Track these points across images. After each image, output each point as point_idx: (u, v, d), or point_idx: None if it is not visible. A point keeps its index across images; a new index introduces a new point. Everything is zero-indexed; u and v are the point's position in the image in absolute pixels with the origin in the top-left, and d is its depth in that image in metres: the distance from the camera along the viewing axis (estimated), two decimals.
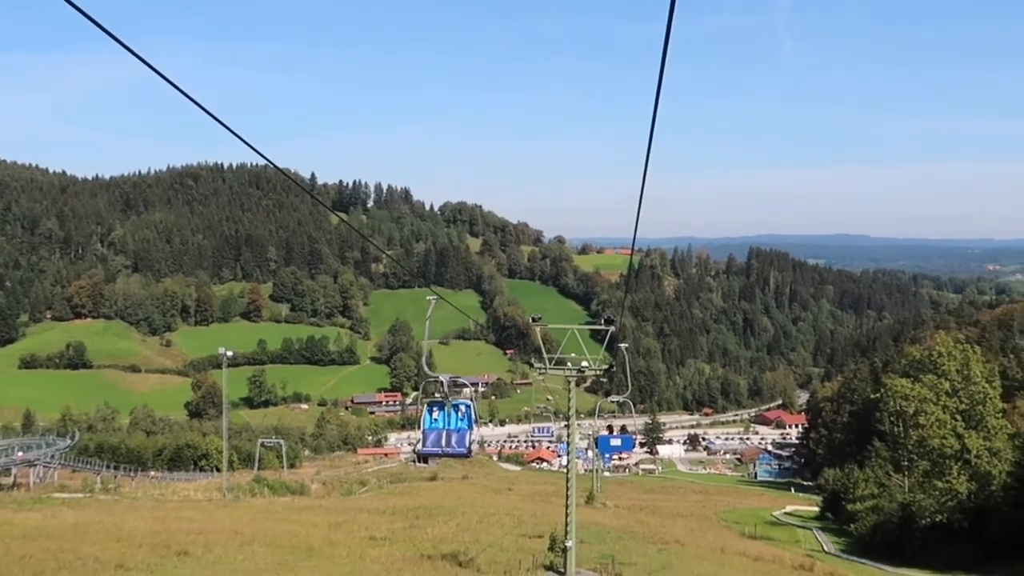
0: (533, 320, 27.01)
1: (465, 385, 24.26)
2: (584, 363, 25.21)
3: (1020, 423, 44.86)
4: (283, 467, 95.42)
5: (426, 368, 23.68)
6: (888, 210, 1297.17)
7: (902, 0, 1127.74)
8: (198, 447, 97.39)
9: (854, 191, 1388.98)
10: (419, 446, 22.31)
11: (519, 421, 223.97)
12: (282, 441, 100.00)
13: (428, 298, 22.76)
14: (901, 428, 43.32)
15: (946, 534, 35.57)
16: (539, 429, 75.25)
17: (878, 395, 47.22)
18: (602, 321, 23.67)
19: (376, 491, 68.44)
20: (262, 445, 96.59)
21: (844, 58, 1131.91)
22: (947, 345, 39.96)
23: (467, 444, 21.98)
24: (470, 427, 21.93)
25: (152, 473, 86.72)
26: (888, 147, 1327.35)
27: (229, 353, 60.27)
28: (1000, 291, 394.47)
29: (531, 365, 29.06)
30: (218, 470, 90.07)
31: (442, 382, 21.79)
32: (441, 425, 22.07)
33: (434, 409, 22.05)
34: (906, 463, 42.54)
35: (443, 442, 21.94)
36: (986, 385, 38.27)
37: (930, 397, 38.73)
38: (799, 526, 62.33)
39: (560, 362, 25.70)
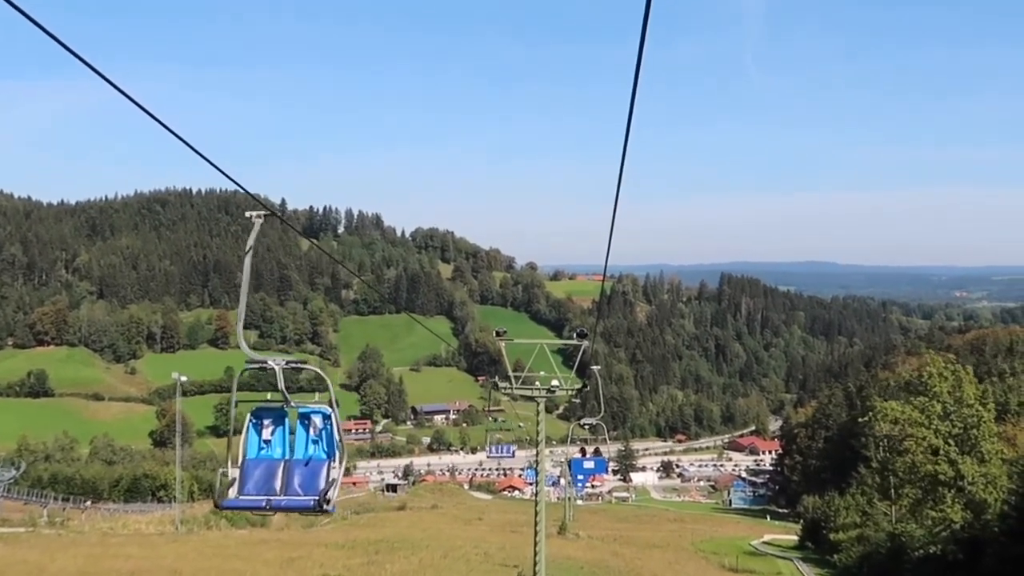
0: (498, 334, 23.44)
1: (317, 374, 11.71)
2: (555, 382, 22.76)
3: (1007, 448, 43.11)
4: None
5: (244, 346, 11.25)
6: (856, 237, 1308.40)
7: (869, 28, 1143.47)
8: (156, 477, 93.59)
9: (822, 218, 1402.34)
10: (231, 492, 10.75)
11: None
12: None
13: (250, 214, 11.32)
14: (889, 453, 41.39)
15: (939, 566, 33.57)
16: (497, 448, 66.05)
17: (866, 419, 45.28)
18: (574, 336, 21.65)
19: (339, 522, 65.49)
20: (223, 475, 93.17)
21: (812, 85, 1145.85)
22: (938, 365, 38.12)
23: (321, 488, 10.60)
24: (330, 456, 10.92)
25: (87, 504, 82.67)
26: (855, 175, 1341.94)
27: (183, 379, 57.49)
28: (968, 317, 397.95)
29: (496, 386, 23.34)
30: (178, 500, 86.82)
31: (274, 370, 10.51)
32: (278, 453, 11.01)
33: (264, 423, 11.13)
34: (895, 490, 40.54)
35: (277, 485, 10.72)
36: (980, 407, 36.48)
37: (921, 420, 36.84)
38: (779, 556, 60.28)
39: (528, 381, 23.50)
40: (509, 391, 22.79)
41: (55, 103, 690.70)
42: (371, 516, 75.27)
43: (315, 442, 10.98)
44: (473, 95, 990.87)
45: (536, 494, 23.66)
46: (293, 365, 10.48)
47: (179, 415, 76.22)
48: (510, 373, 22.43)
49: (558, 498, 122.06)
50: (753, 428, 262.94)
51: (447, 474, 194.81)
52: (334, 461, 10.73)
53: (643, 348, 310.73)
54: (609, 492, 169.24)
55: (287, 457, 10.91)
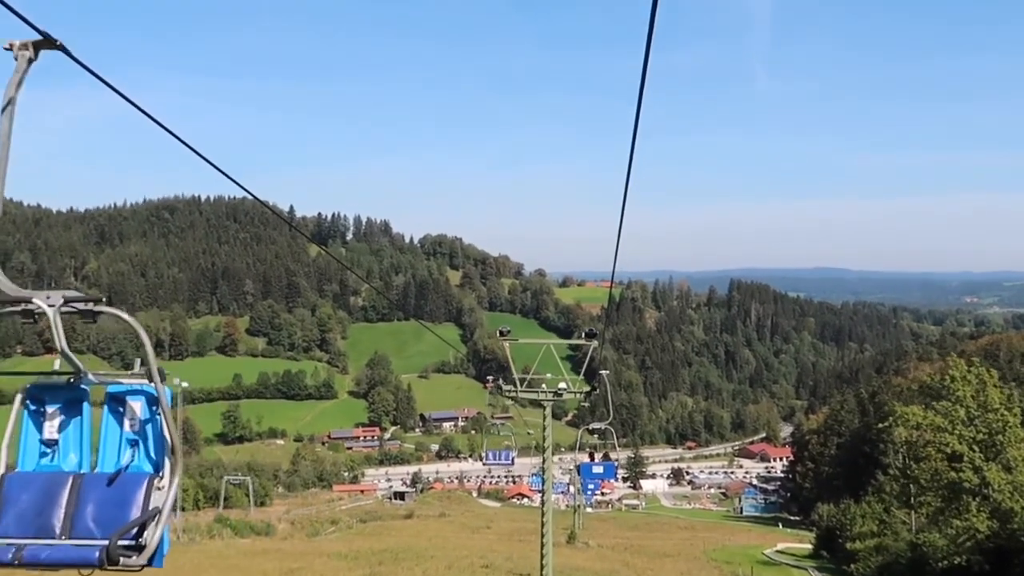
0: (501, 334, 22.10)
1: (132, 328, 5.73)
2: (562, 384, 21.49)
3: None
4: (251, 505, 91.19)
5: None
6: (866, 243, 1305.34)
7: (879, 34, 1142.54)
8: None
9: (832, 224, 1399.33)
10: None
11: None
12: (249, 478, 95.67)
13: (10, 44, 5.33)
14: (911, 460, 40.01)
15: None
16: (493, 455, 54.20)
17: (886, 424, 43.90)
18: (583, 335, 20.56)
19: (344, 531, 64.42)
20: (228, 483, 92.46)
21: (821, 91, 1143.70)
22: (960, 368, 36.78)
23: (133, 518, 5.51)
24: (157, 467, 5.96)
25: None
26: (865, 181, 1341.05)
27: (184, 384, 56.48)
28: (979, 323, 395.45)
29: (500, 389, 21.33)
30: (183, 509, 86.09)
31: (41, 311, 5.35)
32: (71, 463, 6.07)
33: (45, 411, 6.06)
34: (915, 498, 39.10)
35: (56, 519, 5.57)
36: (1005, 412, 35.13)
37: (945, 426, 35.50)
38: (794, 565, 58.91)
39: (534, 384, 22.29)
40: (514, 394, 21.59)
41: (64, 112, 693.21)
42: (377, 524, 74.20)
43: (132, 443, 6.22)
44: (481, 102, 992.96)
45: (543, 502, 22.51)
46: (80, 306, 5.67)
47: (180, 422, 75.16)
48: (515, 375, 21.28)
49: (567, 506, 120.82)
50: (764, 435, 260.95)
51: (455, 481, 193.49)
52: (160, 476, 5.94)
53: (652, 354, 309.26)
54: (619, 500, 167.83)
55: (82, 470, 6.13)
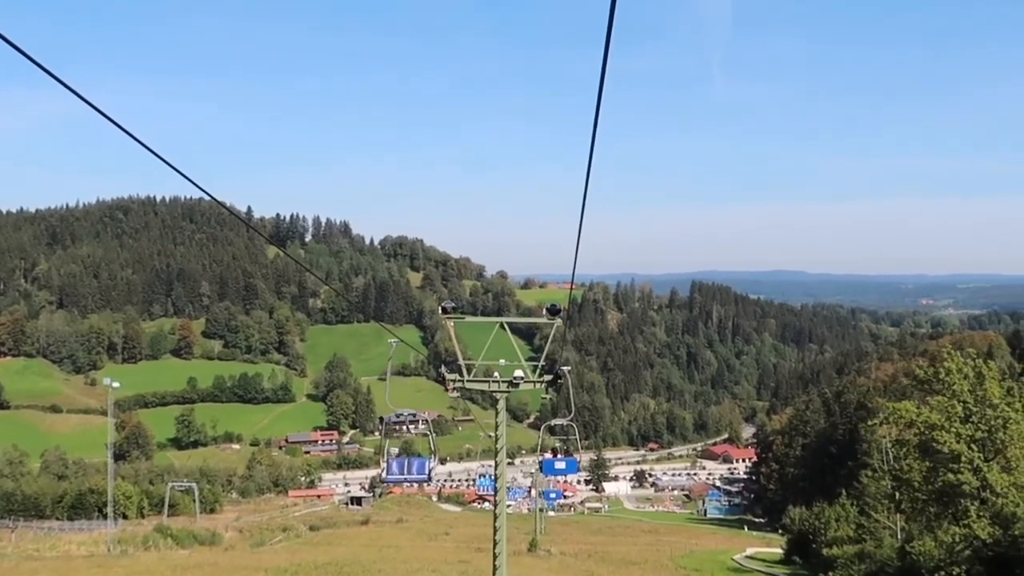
0: (444, 311, 18.46)
1: None
2: (518, 372, 18.07)
3: None
4: (197, 513, 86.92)
5: None
6: (823, 246, 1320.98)
7: (837, 37, 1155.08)
8: (103, 492, 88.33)
9: (790, 228, 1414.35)
10: None
11: (460, 459, 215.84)
12: (194, 485, 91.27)
13: None
14: (902, 460, 37.04)
15: None
16: (398, 465, 36.91)
17: (875, 422, 40.93)
18: (544, 311, 17.44)
19: (292, 540, 60.61)
20: (174, 489, 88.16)
21: (778, 95, 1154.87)
22: (957, 361, 33.91)
23: None
24: None
25: (19, 523, 75.85)
26: (823, 185, 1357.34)
27: (116, 384, 52.50)
28: (936, 324, 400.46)
29: (443, 377, 17.30)
30: (125, 517, 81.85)
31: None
32: None
33: None
34: (909, 503, 36.12)
35: None
36: (1006, 408, 32.32)
37: (941, 423, 32.61)
38: (766, 572, 56.19)
39: (483, 371, 19.07)
40: (460, 383, 18.27)
41: (16, 111, 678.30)
42: (329, 532, 70.50)
43: None
44: (443, 103, 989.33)
45: (496, 508, 19.25)
46: None
47: (111, 425, 71.18)
48: (461, 361, 18.07)
49: (528, 509, 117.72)
50: (726, 436, 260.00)
51: (415, 485, 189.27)
52: None
53: (614, 356, 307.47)
54: (582, 503, 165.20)
55: None
